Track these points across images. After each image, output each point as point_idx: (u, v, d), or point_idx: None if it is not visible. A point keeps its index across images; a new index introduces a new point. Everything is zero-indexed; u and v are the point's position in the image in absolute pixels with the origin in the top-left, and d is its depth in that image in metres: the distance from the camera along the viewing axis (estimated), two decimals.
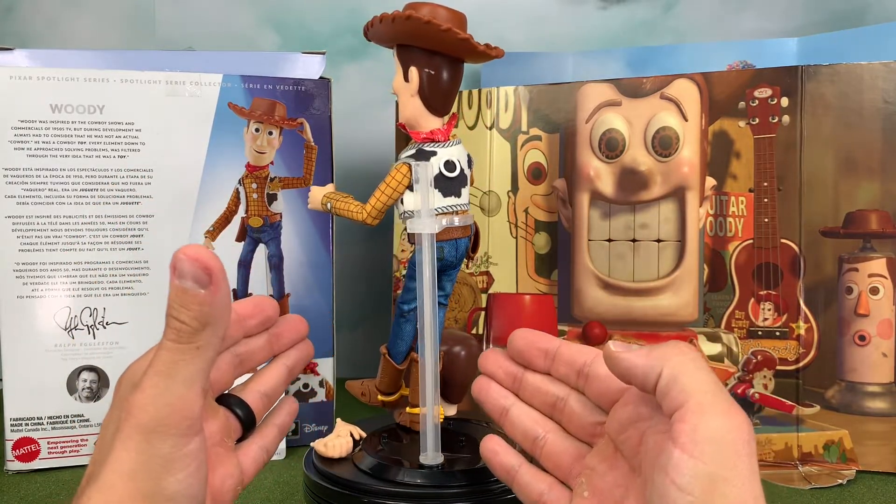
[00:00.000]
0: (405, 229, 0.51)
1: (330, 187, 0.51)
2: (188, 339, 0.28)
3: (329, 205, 0.51)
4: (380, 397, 0.55)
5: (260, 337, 0.40)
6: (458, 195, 0.51)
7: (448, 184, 0.50)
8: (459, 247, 0.52)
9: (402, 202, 0.50)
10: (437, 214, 0.50)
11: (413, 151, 0.50)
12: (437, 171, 0.50)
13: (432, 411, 0.49)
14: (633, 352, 0.31)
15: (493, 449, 0.40)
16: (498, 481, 0.46)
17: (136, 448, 0.28)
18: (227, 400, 0.38)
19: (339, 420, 0.53)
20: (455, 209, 0.51)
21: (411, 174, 0.49)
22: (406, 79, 0.50)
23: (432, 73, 0.50)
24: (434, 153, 0.50)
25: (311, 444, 0.52)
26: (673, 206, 0.69)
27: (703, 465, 0.27)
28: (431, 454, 0.49)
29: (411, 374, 0.55)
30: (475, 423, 0.60)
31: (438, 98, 0.50)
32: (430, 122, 0.51)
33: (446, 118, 0.52)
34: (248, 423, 0.38)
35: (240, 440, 0.38)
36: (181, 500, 0.29)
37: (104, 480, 0.28)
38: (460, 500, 0.45)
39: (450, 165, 0.50)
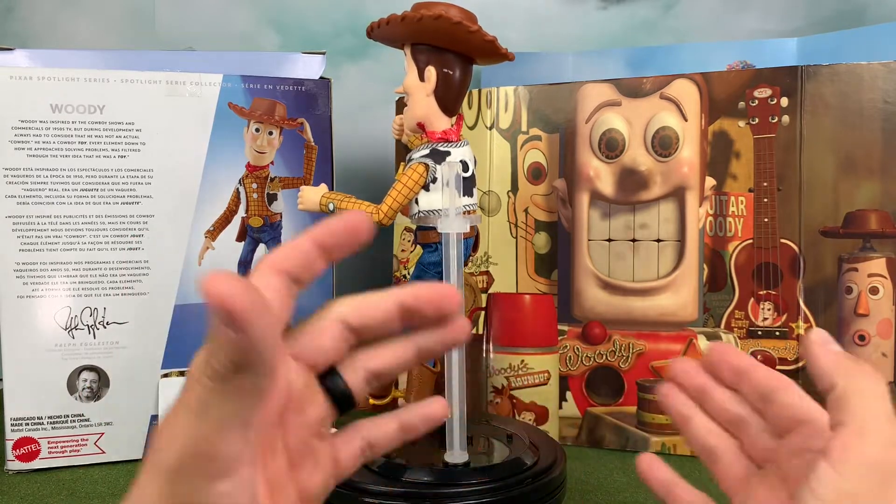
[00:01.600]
0: (405, 229, 0.51)
1: (323, 188, 0.51)
2: (222, 381, 0.24)
3: (331, 205, 0.50)
4: (371, 401, 0.55)
5: (384, 301, 0.32)
6: (471, 195, 0.52)
7: (463, 184, 0.51)
8: (468, 246, 0.53)
9: (416, 202, 0.50)
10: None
11: (427, 151, 0.50)
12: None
13: (459, 410, 0.49)
14: (827, 349, 0.31)
15: (650, 465, 0.40)
16: (516, 476, 0.47)
17: (159, 490, 0.25)
18: (325, 375, 0.32)
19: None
20: (468, 209, 0.52)
21: (427, 174, 0.49)
22: (422, 78, 0.50)
23: (449, 73, 0.50)
24: (448, 153, 0.50)
25: None
26: (673, 206, 0.69)
27: (848, 484, 0.27)
28: (458, 452, 0.49)
29: (411, 375, 0.55)
30: (475, 419, 0.60)
31: (452, 98, 0.51)
32: (441, 123, 0.51)
33: (453, 119, 0.52)
34: (342, 404, 0.32)
35: (341, 416, 0.33)
36: None
37: None
38: (490, 495, 0.47)
39: (464, 166, 0.51)
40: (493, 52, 0.51)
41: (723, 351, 0.38)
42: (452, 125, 0.52)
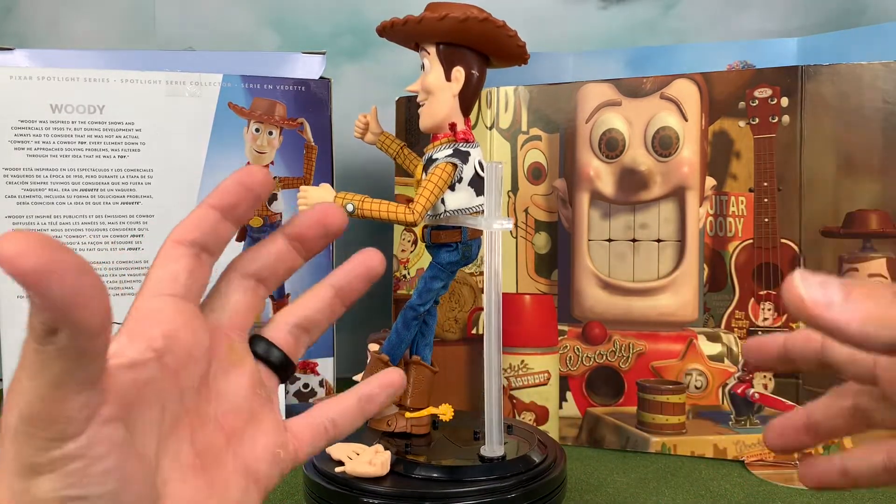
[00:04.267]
0: (405, 229, 0.51)
1: (327, 188, 0.50)
2: (42, 342, 0.23)
3: (350, 207, 0.49)
4: None
5: (273, 244, 0.31)
6: (483, 194, 0.53)
7: (480, 183, 0.52)
8: (478, 246, 0.54)
9: (443, 202, 0.50)
10: (471, 213, 0.51)
11: (451, 151, 0.50)
12: (473, 172, 0.51)
13: (496, 405, 0.50)
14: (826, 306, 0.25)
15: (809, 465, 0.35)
16: (540, 466, 0.50)
17: (13, 452, 0.25)
18: (251, 342, 0.32)
19: (343, 445, 0.51)
20: (480, 209, 0.52)
21: (455, 174, 0.50)
22: (448, 78, 0.50)
23: (476, 74, 0.51)
24: (468, 153, 0.51)
25: (346, 471, 0.48)
26: (673, 206, 0.69)
27: None
28: (495, 446, 0.50)
29: (411, 377, 0.54)
30: (475, 415, 0.60)
31: (473, 99, 0.52)
32: (461, 123, 0.52)
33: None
34: (278, 366, 0.32)
35: (283, 382, 0.33)
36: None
37: None
38: (490, 495, 0.48)
39: (481, 165, 0.52)
40: (518, 57, 0.52)
41: (754, 344, 0.33)
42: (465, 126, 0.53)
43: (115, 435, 0.25)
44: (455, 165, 0.50)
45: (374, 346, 0.59)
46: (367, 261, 0.33)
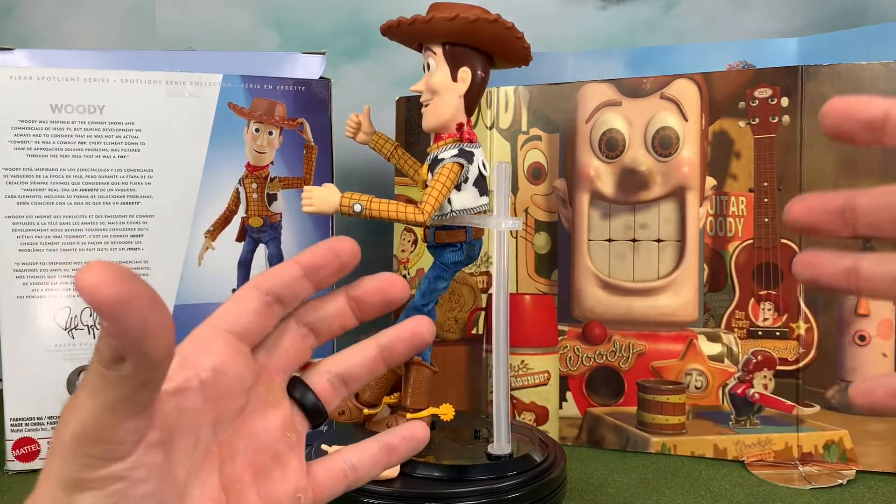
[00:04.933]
0: (405, 229, 0.51)
1: (333, 188, 0.49)
2: (108, 366, 0.24)
3: (357, 207, 0.48)
4: (366, 411, 0.54)
5: (335, 300, 0.33)
6: (487, 194, 0.53)
7: (483, 183, 0.52)
8: (480, 246, 0.54)
9: (449, 202, 0.51)
10: (476, 213, 0.52)
11: (457, 151, 0.50)
12: (478, 172, 0.51)
13: (504, 403, 0.51)
14: None
15: (813, 261, 0.29)
16: (540, 466, 0.50)
17: (58, 465, 0.26)
18: (291, 385, 0.33)
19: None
20: (483, 209, 0.52)
21: (461, 174, 0.50)
22: (454, 78, 0.50)
23: (481, 75, 0.51)
24: (473, 153, 0.51)
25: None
26: (673, 206, 0.69)
27: None
28: (504, 444, 0.51)
29: (411, 377, 0.54)
30: (473, 415, 0.60)
31: (477, 99, 0.52)
32: (464, 124, 0.52)
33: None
34: (312, 412, 0.33)
35: (314, 429, 0.34)
36: None
37: (35, 489, 0.27)
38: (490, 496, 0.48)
39: (484, 166, 0.52)
40: (522, 59, 0.52)
41: (843, 104, 0.29)
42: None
43: (157, 460, 0.27)
44: (462, 165, 0.50)
45: None
46: (417, 328, 0.34)
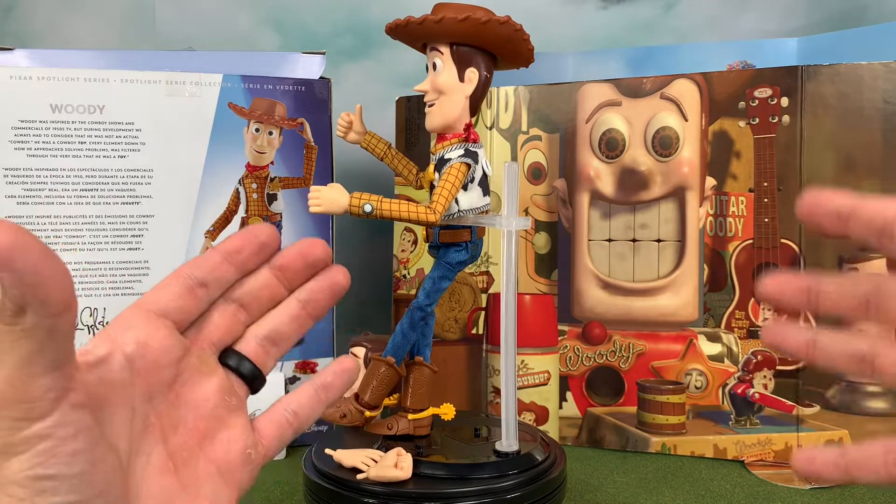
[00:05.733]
0: (405, 229, 0.51)
1: (340, 188, 0.49)
2: (10, 322, 0.25)
3: (367, 207, 0.48)
4: (367, 413, 0.54)
5: (259, 273, 0.34)
6: (489, 194, 0.53)
7: (486, 183, 0.52)
8: (481, 245, 0.54)
9: (456, 202, 0.51)
10: (480, 213, 0.52)
11: (463, 151, 0.51)
12: (482, 172, 0.51)
13: (511, 401, 0.52)
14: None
15: (778, 332, 0.33)
16: (540, 466, 0.50)
17: None
18: (222, 354, 0.34)
19: (353, 452, 0.51)
20: (485, 209, 0.53)
21: (468, 174, 0.50)
22: (462, 79, 0.51)
23: (487, 75, 0.51)
24: (477, 153, 0.51)
25: (370, 477, 0.48)
26: (673, 206, 0.69)
27: None
28: (511, 441, 0.51)
29: (412, 378, 0.54)
30: (471, 414, 0.60)
31: (481, 100, 0.52)
32: (464, 124, 0.52)
33: None
34: (249, 377, 0.34)
35: (254, 393, 0.35)
36: (37, 485, 0.26)
37: None
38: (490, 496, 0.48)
39: (486, 165, 0.52)
40: (525, 60, 0.53)
41: (816, 198, 0.31)
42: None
43: (82, 420, 0.27)
44: (469, 165, 0.50)
45: (358, 351, 0.59)
46: (332, 276, 0.35)
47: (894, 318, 0.30)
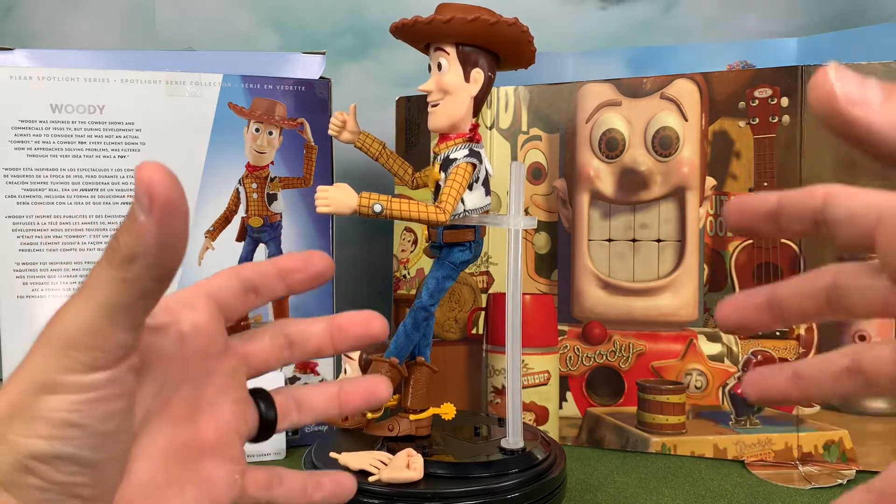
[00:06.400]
0: (405, 229, 0.51)
1: (346, 188, 0.48)
2: (117, 266, 0.24)
3: (377, 207, 0.47)
4: (369, 415, 0.54)
5: (317, 323, 0.34)
6: (490, 193, 0.53)
7: (488, 183, 0.52)
8: (481, 245, 0.55)
9: (462, 202, 0.51)
10: (482, 212, 0.52)
11: (468, 151, 0.51)
12: (485, 172, 0.52)
13: (517, 398, 0.52)
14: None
15: (759, 381, 0.30)
16: (540, 466, 0.51)
17: (42, 363, 0.26)
18: (256, 391, 0.33)
19: (360, 454, 0.51)
20: (486, 208, 0.53)
21: (473, 174, 0.50)
22: (467, 79, 0.51)
23: (491, 76, 0.52)
24: (480, 153, 0.52)
25: (382, 479, 0.48)
26: (673, 206, 0.69)
27: None
28: (518, 439, 0.52)
29: (412, 378, 0.54)
30: (470, 414, 0.60)
31: (484, 100, 0.52)
32: (468, 125, 0.52)
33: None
34: (264, 424, 0.33)
35: (255, 441, 0.34)
36: (65, 431, 0.25)
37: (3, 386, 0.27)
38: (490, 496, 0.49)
39: (489, 165, 0.53)
40: (528, 61, 0.53)
41: (740, 204, 0.30)
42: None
43: (130, 383, 0.27)
44: (475, 165, 0.50)
45: (353, 353, 0.59)
46: (374, 384, 0.35)
47: (859, 310, 0.27)
